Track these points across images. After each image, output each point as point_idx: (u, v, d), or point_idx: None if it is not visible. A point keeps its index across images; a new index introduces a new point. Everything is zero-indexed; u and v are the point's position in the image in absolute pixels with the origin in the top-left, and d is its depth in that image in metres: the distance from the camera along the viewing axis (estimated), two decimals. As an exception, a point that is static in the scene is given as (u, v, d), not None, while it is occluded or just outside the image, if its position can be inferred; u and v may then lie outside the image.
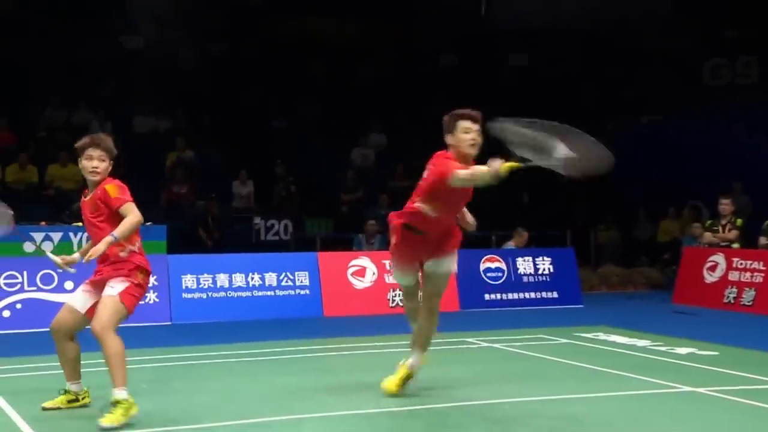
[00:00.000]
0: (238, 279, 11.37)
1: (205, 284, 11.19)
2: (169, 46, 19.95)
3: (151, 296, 10.91)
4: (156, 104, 18.73)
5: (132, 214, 5.67)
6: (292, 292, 11.49)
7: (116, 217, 5.68)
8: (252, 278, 11.43)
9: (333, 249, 13.92)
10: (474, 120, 6.29)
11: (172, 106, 19.02)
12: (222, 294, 11.23)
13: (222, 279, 11.29)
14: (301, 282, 11.55)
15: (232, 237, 15.64)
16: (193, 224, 15.61)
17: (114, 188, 5.78)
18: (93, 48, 18.94)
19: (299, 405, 6.12)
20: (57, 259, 5.94)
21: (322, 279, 11.67)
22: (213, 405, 6.15)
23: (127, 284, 5.70)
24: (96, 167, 5.87)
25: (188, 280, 11.15)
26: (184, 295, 11.07)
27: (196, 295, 11.11)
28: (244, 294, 11.32)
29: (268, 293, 11.41)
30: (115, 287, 5.66)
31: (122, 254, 5.73)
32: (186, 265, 11.31)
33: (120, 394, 5.48)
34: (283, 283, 11.51)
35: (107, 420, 5.38)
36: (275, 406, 6.06)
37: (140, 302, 5.93)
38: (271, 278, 11.51)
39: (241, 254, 12.20)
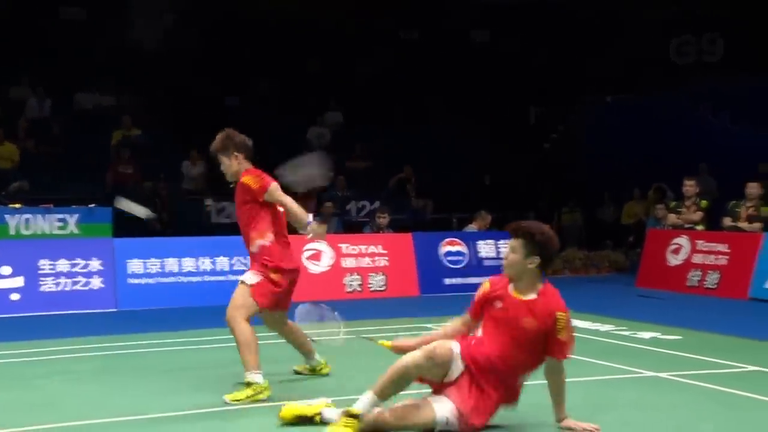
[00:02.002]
0: (188, 263, 11.27)
1: (153, 269, 11.07)
2: (114, 18, 19.56)
3: (95, 282, 10.77)
4: (100, 80, 18.40)
5: (282, 198, 6.08)
6: (245, 277, 11.40)
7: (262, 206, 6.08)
8: (203, 263, 11.33)
9: (288, 232, 13.83)
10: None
11: (118, 82, 18.70)
12: (171, 279, 11.13)
13: (171, 263, 11.18)
14: (255, 266, 11.46)
15: (182, 220, 15.48)
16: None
17: (250, 179, 6.14)
18: (31, 19, 18.50)
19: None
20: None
21: (276, 263, 11.58)
22: (156, 393, 6.10)
23: (258, 279, 6.04)
24: (222, 170, 6.35)
25: (135, 265, 11.02)
26: (131, 281, 10.95)
27: (144, 281, 10.99)
28: (194, 279, 11.23)
29: (220, 278, 11.31)
30: (247, 276, 6.07)
31: (252, 249, 6.11)
32: (132, 249, 11.17)
33: (249, 376, 5.84)
34: (236, 268, 11.41)
35: (231, 396, 5.78)
36: (218, 394, 6.01)
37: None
38: (222, 263, 11.42)
39: (192, 237, 12.08)
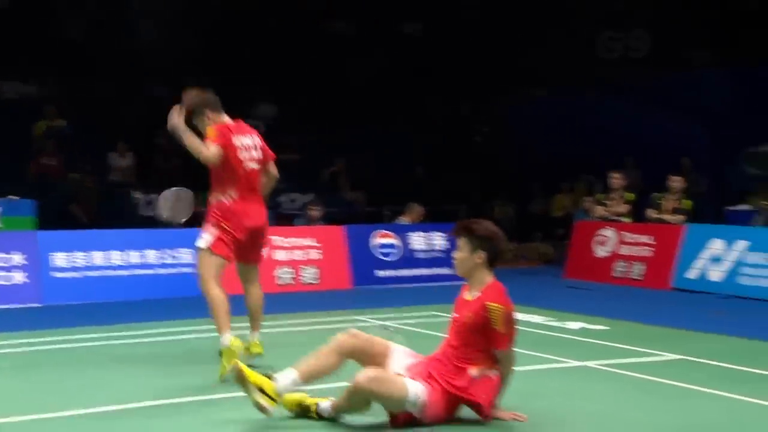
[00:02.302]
0: (116, 257, 11.05)
1: (78, 262, 10.82)
2: (38, 5, 19.00)
3: (18, 276, 10.48)
4: (23, 68, 17.86)
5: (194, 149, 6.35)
6: (174, 270, 11.25)
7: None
8: (131, 256, 11.11)
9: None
10: None
11: (42, 71, 18.18)
12: (98, 273, 10.89)
13: (97, 257, 10.95)
14: (185, 260, 11.30)
15: (109, 212, 15.18)
16: (65, 199, 15.06)
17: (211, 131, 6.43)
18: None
19: (174, 388, 6.02)
20: None
21: (207, 256, 11.44)
22: (82, 391, 5.97)
23: (208, 236, 6.42)
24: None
25: (59, 259, 10.75)
26: (55, 275, 10.68)
27: (69, 275, 10.73)
28: (122, 273, 11.01)
29: (149, 272, 11.14)
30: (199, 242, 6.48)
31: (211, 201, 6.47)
32: (57, 242, 10.90)
33: (221, 341, 6.15)
34: (165, 261, 11.26)
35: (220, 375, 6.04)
36: (149, 391, 5.92)
37: None
38: (151, 255, 11.23)
39: (119, 230, 11.83)
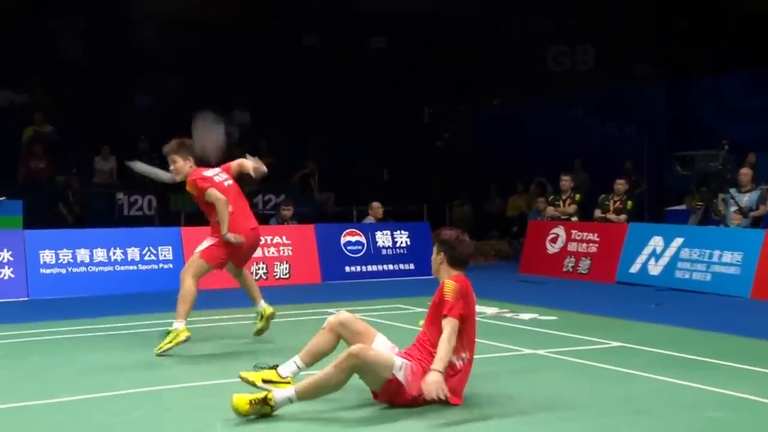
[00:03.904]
0: (100, 254, 10.92)
1: (64, 259, 10.68)
2: (29, 14, 18.71)
3: (6, 272, 10.33)
4: (13, 77, 17.59)
5: (216, 202, 6.81)
6: (155, 266, 11.15)
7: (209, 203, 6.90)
8: (114, 253, 11.00)
9: (197, 224, 13.60)
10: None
11: (30, 79, 17.91)
12: (83, 269, 10.76)
13: (82, 254, 10.81)
14: (165, 256, 11.22)
15: (94, 213, 15.02)
16: (52, 200, 14.86)
17: (192, 187, 6.92)
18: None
19: (154, 376, 5.98)
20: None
21: (186, 253, 11.35)
22: (68, 379, 5.90)
23: (211, 241, 6.91)
24: (172, 169, 7.06)
25: (46, 256, 10.60)
26: (42, 271, 10.53)
27: (55, 270, 10.59)
28: (105, 269, 10.89)
29: (131, 268, 11.02)
30: (202, 243, 6.98)
31: (212, 220, 6.97)
32: (44, 240, 10.75)
33: (174, 324, 6.62)
34: (146, 258, 11.15)
35: (156, 348, 6.57)
36: (131, 379, 5.87)
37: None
38: (134, 253, 11.11)
39: (103, 229, 11.71)
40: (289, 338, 7.25)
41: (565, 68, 21.73)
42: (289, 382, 5.23)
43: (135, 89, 19.11)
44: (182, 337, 6.59)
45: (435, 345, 5.08)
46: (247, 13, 20.49)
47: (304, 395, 4.90)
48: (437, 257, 5.36)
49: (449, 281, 5.18)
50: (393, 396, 5.06)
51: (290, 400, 4.88)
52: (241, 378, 5.31)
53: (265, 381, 5.25)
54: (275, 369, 5.31)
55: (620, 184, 12.94)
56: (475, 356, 5.34)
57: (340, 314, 5.44)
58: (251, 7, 20.53)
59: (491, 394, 5.36)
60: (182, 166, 6.97)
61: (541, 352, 6.87)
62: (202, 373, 6.10)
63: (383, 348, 5.25)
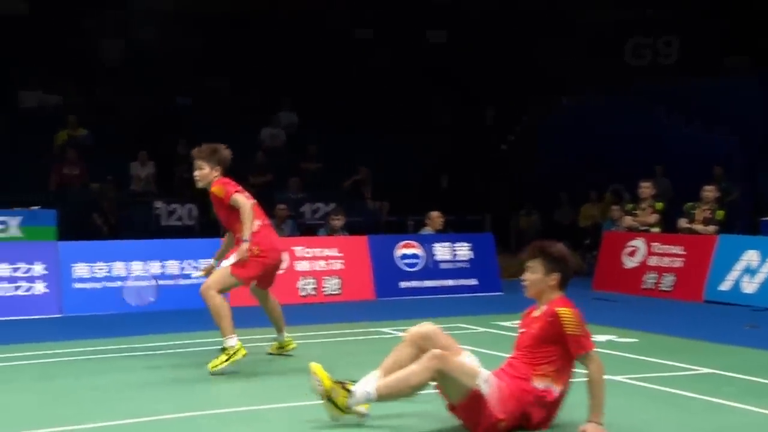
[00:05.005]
0: (137, 267, 11.11)
1: (99, 273, 10.90)
2: (60, 12, 19.21)
3: (39, 287, 10.58)
4: (44, 77, 18.07)
5: (242, 207, 6.97)
6: (196, 281, 11.27)
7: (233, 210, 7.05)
8: (152, 266, 11.17)
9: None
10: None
11: (63, 80, 18.38)
12: (118, 284, 10.91)
13: (118, 267, 11.01)
14: (205, 270, 11.34)
15: (130, 223, 15.29)
16: (86, 209, 15.18)
17: (219, 188, 7.09)
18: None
19: (193, 401, 6.04)
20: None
21: (228, 267, 11.48)
22: (99, 403, 5.99)
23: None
24: (197, 174, 7.23)
25: (80, 269, 10.83)
26: (76, 285, 10.76)
27: (89, 285, 10.81)
28: (143, 284, 11.00)
29: (170, 282, 11.16)
30: (230, 258, 7.06)
31: (241, 236, 7.02)
32: (78, 252, 10.99)
33: (226, 342, 6.76)
34: (186, 272, 11.30)
35: (211, 364, 6.74)
36: (170, 403, 5.94)
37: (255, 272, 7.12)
38: (173, 266, 11.28)
39: (140, 240, 11.92)
40: (338, 359, 7.26)
41: (646, 62, 21.39)
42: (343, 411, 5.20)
43: (175, 89, 19.44)
44: (239, 355, 6.79)
45: (528, 370, 5.06)
46: (294, 6, 20.70)
47: (384, 393, 4.99)
48: (547, 278, 5.16)
49: (566, 311, 5.03)
50: (472, 413, 4.98)
51: (369, 396, 4.99)
52: (314, 372, 5.24)
53: (336, 382, 5.21)
54: (347, 389, 5.22)
55: (709, 191, 12.67)
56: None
57: (422, 326, 5.42)
58: (299, 2, 20.74)
59: (563, 424, 5.28)
60: (207, 173, 7.19)
61: (619, 378, 6.74)
62: (244, 397, 6.13)
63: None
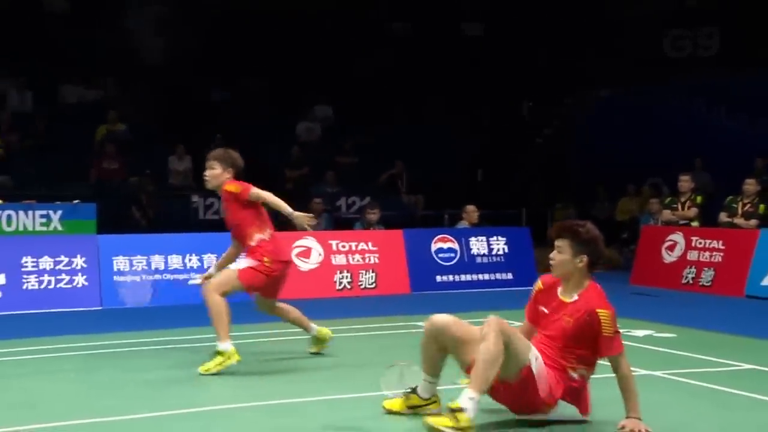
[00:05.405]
0: (175, 261, 11.22)
1: (138, 266, 11.02)
2: (100, 10, 19.44)
3: (80, 279, 10.73)
4: (85, 73, 18.30)
5: (266, 197, 6.92)
6: (233, 275, 11.36)
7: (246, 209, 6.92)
8: (190, 260, 11.28)
9: (277, 228, 13.81)
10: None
11: (103, 76, 18.60)
12: (157, 277, 11.07)
13: (157, 260, 11.12)
14: (242, 264, 11.40)
15: (169, 216, 15.42)
16: (125, 203, 15.36)
17: (234, 186, 6.93)
18: (16, 13, 18.36)
19: (230, 394, 6.08)
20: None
21: (265, 260, 11.57)
22: (144, 394, 6.07)
23: (252, 263, 6.83)
24: (207, 174, 7.11)
25: (120, 262, 10.96)
26: (116, 278, 10.89)
27: (129, 278, 10.94)
28: (181, 277, 11.16)
29: (208, 275, 11.26)
30: (239, 263, 6.95)
31: (251, 243, 6.91)
32: (118, 245, 11.12)
33: (221, 346, 6.62)
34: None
35: (203, 367, 6.59)
36: (209, 396, 6.00)
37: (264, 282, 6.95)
38: (210, 260, 11.33)
39: (178, 234, 12.03)
40: (374, 354, 7.27)
41: (685, 54, 21.10)
42: (435, 401, 5.27)
43: (213, 85, 19.57)
44: (232, 360, 6.66)
45: (558, 364, 5.00)
46: (332, 1, 20.72)
47: (484, 387, 4.77)
48: (575, 260, 5.01)
49: (605, 313, 4.94)
50: (519, 391, 4.89)
51: (476, 401, 4.73)
52: (385, 409, 5.33)
53: (410, 407, 5.29)
54: (415, 393, 5.30)
55: (750, 185, 12.49)
56: (583, 378, 5.22)
57: (434, 320, 5.25)
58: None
59: (601, 420, 5.24)
60: (219, 174, 7.04)
61: (658, 373, 6.69)
62: (281, 390, 6.16)
63: None
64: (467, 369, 5.06)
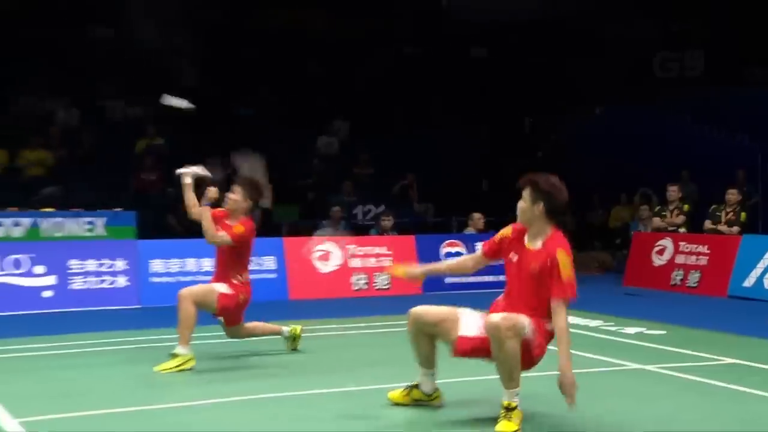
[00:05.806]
0: (206, 263, 11.23)
1: (173, 268, 11.06)
2: (138, 36, 19.56)
3: (121, 280, 10.78)
4: (127, 91, 18.41)
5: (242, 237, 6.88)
6: (259, 276, 11.39)
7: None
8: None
9: (299, 235, 13.85)
10: None
11: (143, 93, 18.69)
12: (190, 278, 11.08)
13: (190, 263, 11.17)
14: (268, 266, 11.47)
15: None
16: (162, 211, 15.41)
17: (243, 229, 6.86)
18: (63, 36, 18.51)
19: (256, 386, 6.10)
20: None
21: (288, 263, 11.60)
22: (178, 383, 6.09)
23: (230, 291, 6.79)
24: (230, 196, 7.00)
25: (156, 265, 11.01)
26: (153, 279, 10.95)
27: (164, 279, 10.99)
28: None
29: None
30: (219, 287, 6.81)
31: (233, 281, 6.84)
32: (154, 249, 11.18)
33: (180, 349, 6.51)
34: (251, 267, 11.39)
35: (159, 366, 6.48)
36: (234, 388, 6.01)
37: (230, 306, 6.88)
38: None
39: (210, 239, 12.04)
40: (387, 350, 7.27)
41: (673, 75, 21.02)
42: (437, 397, 5.28)
43: (240, 102, 19.64)
44: (189, 365, 6.52)
45: (538, 311, 4.83)
46: (347, 25, 20.77)
47: (512, 385, 4.76)
48: (534, 207, 4.92)
49: (564, 255, 4.76)
50: (521, 356, 4.83)
51: (514, 395, 4.76)
52: (392, 401, 5.32)
53: (414, 401, 5.28)
54: (417, 388, 5.29)
55: (732, 194, 12.42)
56: (578, 371, 5.19)
57: (411, 313, 5.22)
58: (351, 19, 20.80)
59: (597, 413, 5.21)
60: (240, 202, 6.90)
61: (649, 367, 6.65)
62: (299, 383, 6.15)
63: (475, 322, 5.05)
64: (455, 346, 4.99)
